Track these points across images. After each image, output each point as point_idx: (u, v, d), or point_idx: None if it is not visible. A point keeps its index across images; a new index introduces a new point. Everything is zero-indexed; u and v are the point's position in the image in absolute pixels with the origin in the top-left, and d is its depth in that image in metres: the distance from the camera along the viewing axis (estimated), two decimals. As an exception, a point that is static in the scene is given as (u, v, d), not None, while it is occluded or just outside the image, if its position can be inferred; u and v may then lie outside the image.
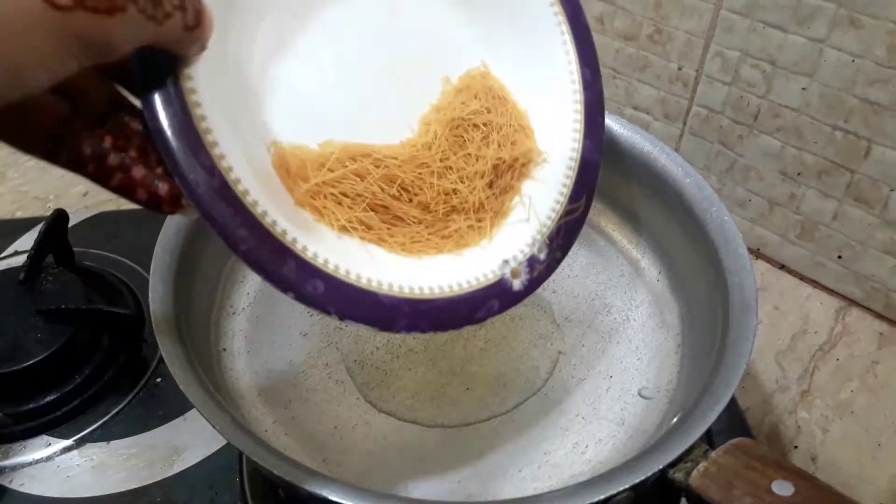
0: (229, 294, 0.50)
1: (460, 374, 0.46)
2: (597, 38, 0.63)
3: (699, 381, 0.40)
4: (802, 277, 0.62)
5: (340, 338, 0.48)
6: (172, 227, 0.45)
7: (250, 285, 0.51)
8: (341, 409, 0.44)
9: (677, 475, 0.34)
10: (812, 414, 0.53)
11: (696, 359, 0.45)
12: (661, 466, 0.33)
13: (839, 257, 0.58)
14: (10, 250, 0.61)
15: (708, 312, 0.44)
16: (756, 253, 0.63)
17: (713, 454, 0.34)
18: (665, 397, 0.45)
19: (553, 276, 0.51)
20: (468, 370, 0.46)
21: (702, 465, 0.34)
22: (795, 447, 0.51)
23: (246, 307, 0.50)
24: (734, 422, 0.49)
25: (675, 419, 0.39)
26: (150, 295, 0.40)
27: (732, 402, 0.45)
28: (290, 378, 0.46)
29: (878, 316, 0.59)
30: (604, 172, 0.54)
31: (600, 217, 0.55)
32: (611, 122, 0.52)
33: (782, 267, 0.63)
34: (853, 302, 0.59)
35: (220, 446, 0.48)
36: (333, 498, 0.32)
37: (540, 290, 0.50)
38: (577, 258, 0.53)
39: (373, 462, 0.42)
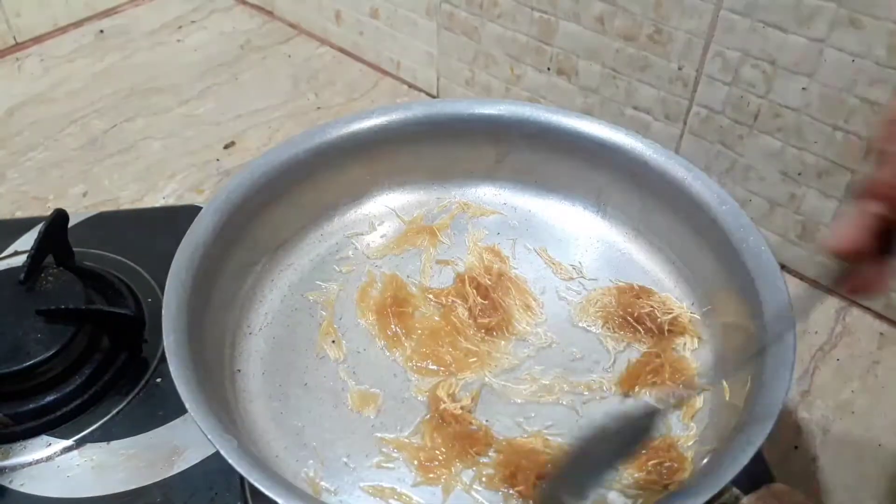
0: (247, 314, 0.49)
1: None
2: (597, 39, 0.64)
3: (729, 419, 0.38)
4: (803, 277, 0.62)
5: (357, 362, 0.47)
6: (191, 244, 0.43)
7: (269, 305, 0.50)
8: (355, 438, 0.43)
9: None
10: (812, 414, 0.52)
11: (727, 395, 0.42)
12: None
13: (839, 257, 0.58)
14: (9, 250, 0.61)
15: (741, 345, 0.42)
16: (756, 253, 0.63)
17: (745, 500, 0.33)
18: (694, 436, 0.43)
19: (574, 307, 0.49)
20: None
21: None
22: (796, 448, 0.51)
23: (263, 327, 0.48)
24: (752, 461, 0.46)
25: (704, 461, 0.38)
26: (163, 312, 0.39)
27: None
28: (305, 403, 0.45)
29: (879, 316, 0.58)
30: (634, 198, 0.52)
31: (631, 243, 0.54)
32: (643, 147, 0.50)
33: (783, 267, 0.62)
34: (853, 302, 0.59)
35: (220, 447, 0.48)
36: None
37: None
38: (604, 283, 0.51)
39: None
